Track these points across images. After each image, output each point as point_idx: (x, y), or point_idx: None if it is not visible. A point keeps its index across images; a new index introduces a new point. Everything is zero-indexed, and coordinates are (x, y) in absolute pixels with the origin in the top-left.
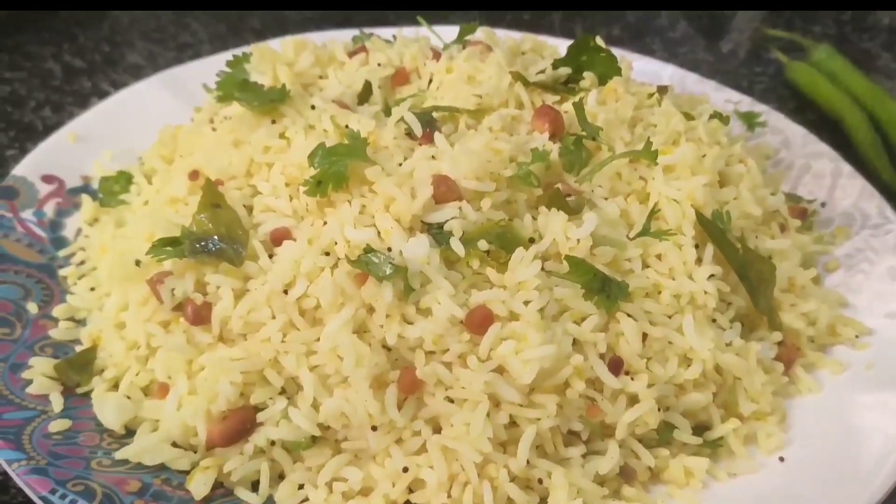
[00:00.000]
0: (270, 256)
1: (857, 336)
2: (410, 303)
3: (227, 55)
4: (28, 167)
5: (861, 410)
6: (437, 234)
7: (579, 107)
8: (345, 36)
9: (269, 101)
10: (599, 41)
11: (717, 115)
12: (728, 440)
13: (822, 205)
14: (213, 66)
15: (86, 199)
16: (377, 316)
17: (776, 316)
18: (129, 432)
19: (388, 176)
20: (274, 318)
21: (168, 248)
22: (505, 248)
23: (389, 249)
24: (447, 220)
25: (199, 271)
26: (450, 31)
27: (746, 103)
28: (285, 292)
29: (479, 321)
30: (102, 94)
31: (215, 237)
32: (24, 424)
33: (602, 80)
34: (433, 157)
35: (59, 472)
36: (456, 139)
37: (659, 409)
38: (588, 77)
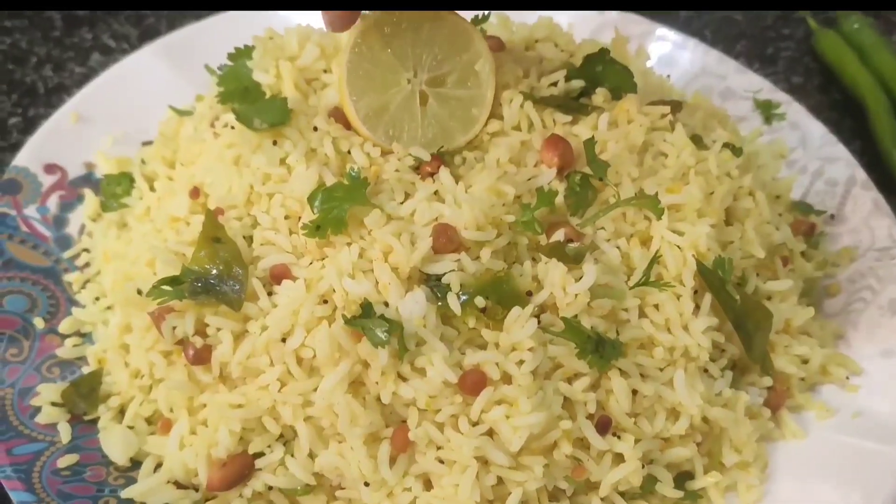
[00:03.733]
0: (270, 294)
1: (847, 377)
2: (405, 362)
3: (221, 18)
4: (29, 155)
5: (842, 462)
6: (435, 286)
7: (590, 146)
8: None
9: (270, 125)
10: (620, 45)
11: (729, 146)
12: (708, 492)
13: (832, 217)
14: (209, 30)
15: (88, 194)
16: (372, 373)
17: (769, 362)
18: (135, 463)
19: (387, 223)
20: (272, 365)
21: (168, 289)
22: (502, 304)
23: (386, 304)
24: (445, 273)
25: (199, 311)
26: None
27: (767, 90)
28: (283, 340)
29: (471, 384)
30: (103, 49)
31: (215, 278)
32: (34, 459)
33: (615, 94)
34: (436, 192)
35: None
36: (463, 171)
37: (643, 466)
38: (601, 93)
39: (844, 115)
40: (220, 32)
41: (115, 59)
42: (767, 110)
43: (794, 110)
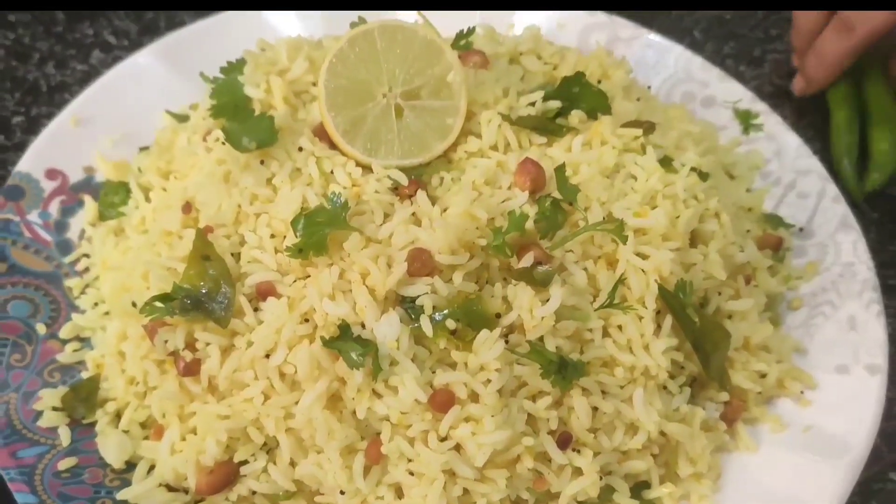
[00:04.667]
0: (256, 310)
1: (802, 392)
2: (379, 381)
3: (221, 18)
4: (31, 160)
5: (791, 475)
6: (410, 307)
7: (560, 172)
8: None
9: (258, 146)
10: (602, 57)
11: (696, 171)
12: (663, 501)
13: (800, 230)
14: (208, 31)
15: (88, 200)
16: (349, 389)
17: (727, 379)
18: (130, 465)
19: (366, 246)
20: (257, 379)
21: (160, 305)
22: (472, 326)
23: (363, 325)
24: (419, 296)
25: (189, 326)
26: (454, 20)
27: (748, 100)
28: (267, 356)
29: (440, 403)
30: (104, 46)
31: (204, 296)
32: (36, 462)
33: (591, 115)
34: (413, 214)
35: None
36: (440, 193)
37: (601, 477)
38: (576, 115)
39: (827, 119)
40: (220, 33)
41: (116, 55)
42: (746, 120)
43: (773, 121)
